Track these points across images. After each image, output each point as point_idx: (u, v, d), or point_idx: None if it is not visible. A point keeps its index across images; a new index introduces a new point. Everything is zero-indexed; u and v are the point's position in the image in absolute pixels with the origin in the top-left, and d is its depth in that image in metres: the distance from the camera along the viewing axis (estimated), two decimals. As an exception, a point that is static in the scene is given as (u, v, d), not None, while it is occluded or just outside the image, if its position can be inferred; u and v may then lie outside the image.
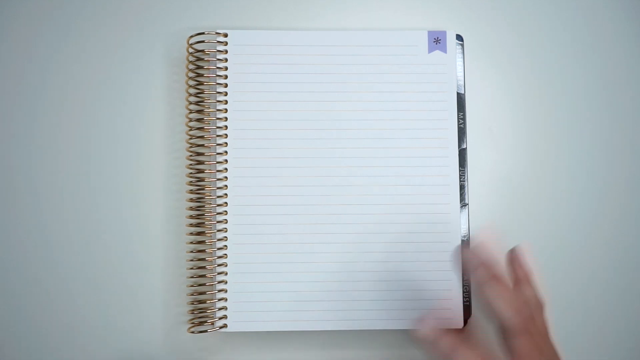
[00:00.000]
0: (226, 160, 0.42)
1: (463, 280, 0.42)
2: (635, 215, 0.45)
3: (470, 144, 0.44)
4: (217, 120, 0.43)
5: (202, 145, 0.43)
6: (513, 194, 0.45)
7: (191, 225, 0.42)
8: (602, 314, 0.44)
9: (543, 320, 0.37)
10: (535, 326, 0.36)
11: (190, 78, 0.43)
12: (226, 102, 0.43)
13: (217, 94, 0.43)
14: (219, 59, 0.43)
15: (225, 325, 0.41)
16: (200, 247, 0.42)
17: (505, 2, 0.46)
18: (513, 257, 0.39)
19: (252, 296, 0.41)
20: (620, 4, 0.47)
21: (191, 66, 0.43)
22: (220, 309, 0.41)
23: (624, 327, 0.44)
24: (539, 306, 0.37)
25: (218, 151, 0.42)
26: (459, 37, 0.44)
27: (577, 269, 0.44)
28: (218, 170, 0.42)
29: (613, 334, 0.44)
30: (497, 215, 0.45)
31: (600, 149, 0.45)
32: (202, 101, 0.43)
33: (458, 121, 0.43)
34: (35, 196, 0.44)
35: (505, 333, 0.35)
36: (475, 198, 0.44)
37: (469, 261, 0.39)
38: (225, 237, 0.42)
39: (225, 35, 0.43)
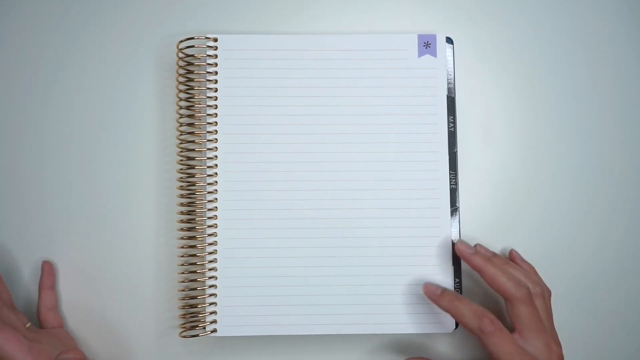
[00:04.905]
0: (216, 165, 0.42)
1: (454, 282, 0.42)
2: (630, 217, 0.45)
3: (461, 147, 0.44)
4: (208, 125, 0.43)
5: (193, 150, 0.43)
6: (505, 198, 0.45)
7: (182, 230, 0.42)
8: (601, 316, 0.44)
9: (548, 305, 0.40)
10: (540, 303, 0.39)
11: (180, 83, 0.43)
12: (216, 106, 0.43)
13: (208, 99, 0.43)
14: (209, 64, 0.43)
15: (215, 330, 0.42)
16: (191, 251, 0.42)
17: (496, 4, 0.46)
18: (513, 256, 0.44)
19: (242, 300, 0.42)
20: (611, 4, 0.46)
21: (181, 71, 0.43)
22: (210, 313, 0.42)
23: (623, 329, 0.44)
24: (545, 290, 0.41)
25: (208, 155, 0.43)
26: (449, 40, 0.44)
27: (571, 271, 0.45)
28: (208, 175, 0.42)
29: (612, 336, 0.44)
30: (488, 219, 0.45)
31: (593, 151, 0.45)
32: (192, 105, 0.43)
33: (448, 124, 0.43)
34: (22, 198, 0.44)
35: (510, 302, 0.39)
36: (466, 202, 0.44)
37: (463, 250, 0.41)
38: (216, 241, 0.42)
39: (215, 40, 0.43)
